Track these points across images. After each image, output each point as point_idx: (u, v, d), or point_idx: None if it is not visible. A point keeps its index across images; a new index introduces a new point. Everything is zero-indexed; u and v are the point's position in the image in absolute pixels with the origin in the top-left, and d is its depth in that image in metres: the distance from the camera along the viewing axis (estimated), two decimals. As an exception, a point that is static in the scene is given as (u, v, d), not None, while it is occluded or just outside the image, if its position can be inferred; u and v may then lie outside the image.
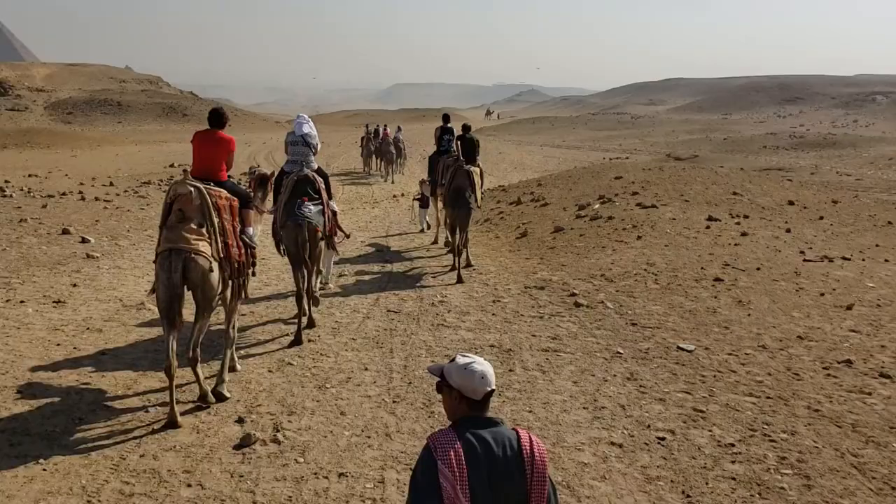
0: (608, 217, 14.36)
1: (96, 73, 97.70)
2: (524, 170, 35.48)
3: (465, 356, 2.66)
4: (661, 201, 15.55)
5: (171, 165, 33.05)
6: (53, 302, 9.51)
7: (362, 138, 33.65)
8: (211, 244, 6.25)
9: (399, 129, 32.88)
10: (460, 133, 13.04)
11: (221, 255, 6.39)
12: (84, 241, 13.54)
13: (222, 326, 7.26)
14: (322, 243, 8.97)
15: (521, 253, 13.33)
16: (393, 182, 28.77)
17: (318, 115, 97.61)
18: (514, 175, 33.25)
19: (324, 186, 8.85)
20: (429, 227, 16.04)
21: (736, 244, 12.70)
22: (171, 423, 5.99)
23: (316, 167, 9.05)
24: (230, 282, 6.75)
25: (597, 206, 15.67)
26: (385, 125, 33.34)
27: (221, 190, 6.57)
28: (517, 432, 2.61)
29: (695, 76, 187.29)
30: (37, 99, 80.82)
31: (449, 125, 14.31)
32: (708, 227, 13.62)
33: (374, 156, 31.67)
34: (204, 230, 6.22)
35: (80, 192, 19.28)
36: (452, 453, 2.45)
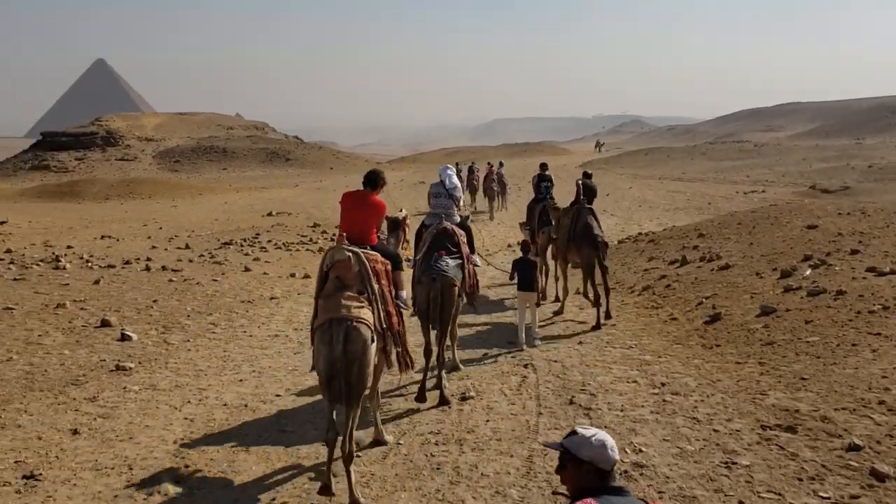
0: (836, 291, 10.09)
1: (205, 121, 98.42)
2: (651, 208, 31.20)
3: (585, 428, 2.67)
4: (900, 263, 11.13)
5: (269, 214, 30.55)
6: (23, 477, 6.06)
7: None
8: (373, 312, 5.90)
9: (501, 164, 32.95)
10: (581, 179, 12.53)
11: (384, 325, 6.08)
12: (124, 338, 10.29)
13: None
14: (459, 300, 8.37)
15: (724, 351, 9.22)
16: (492, 219, 28.07)
17: (419, 154, 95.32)
18: (640, 215, 29.25)
19: (465, 240, 8.55)
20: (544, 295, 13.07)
21: None
22: (325, 489, 5.59)
23: (458, 220, 8.86)
24: (388, 352, 6.33)
25: (807, 271, 11.39)
26: (495, 162, 33.70)
27: (376, 254, 6.28)
28: (644, 500, 2.57)
29: (810, 100, 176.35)
30: (146, 148, 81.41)
31: (547, 173, 14.45)
32: None
33: (471, 194, 31.67)
34: (364, 297, 5.89)
35: (148, 260, 16.32)
36: None
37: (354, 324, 5.62)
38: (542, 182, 14.11)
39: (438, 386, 8.01)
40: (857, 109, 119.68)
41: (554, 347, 9.96)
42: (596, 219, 11.60)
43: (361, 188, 6.75)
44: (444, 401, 7.87)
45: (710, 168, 58.12)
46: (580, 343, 10.13)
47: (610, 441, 2.64)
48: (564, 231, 11.94)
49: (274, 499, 5.77)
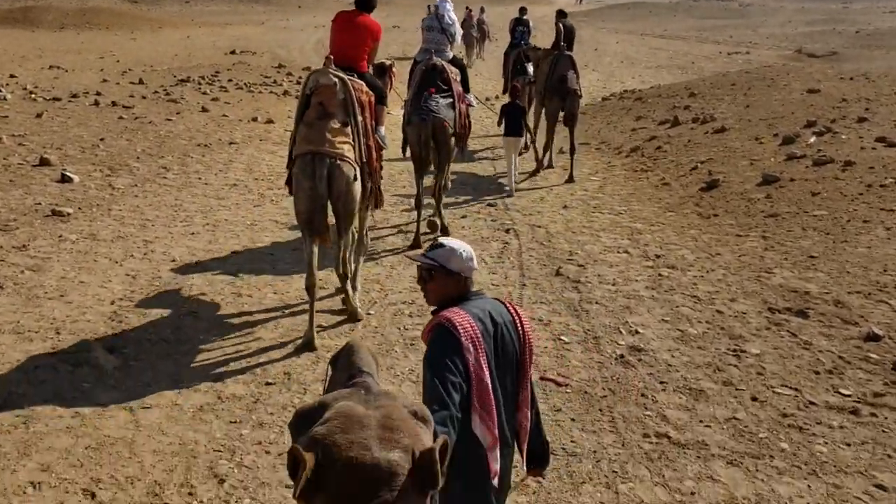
0: (844, 162, 9.33)
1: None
2: (633, 65, 29.99)
3: (449, 241, 2.71)
4: (910, 134, 10.35)
5: (232, 52, 28.66)
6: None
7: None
8: (354, 148, 5.63)
9: (482, 10, 30.78)
10: (558, 19, 11.66)
11: (364, 160, 5.80)
12: (64, 179, 9.24)
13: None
14: (452, 142, 7.98)
15: (723, 221, 8.50)
16: (469, 67, 25.51)
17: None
18: (623, 71, 28.08)
19: (458, 78, 8.14)
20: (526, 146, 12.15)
21: None
22: (308, 344, 5.46)
23: (450, 56, 8.37)
24: (369, 187, 6.09)
25: (811, 139, 10.58)
26: (475, 8, 30.58)
27: (363, 83, 5.84)
28: (501, 301, 2.69)
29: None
30: (102, -25, 76.39)
31: (525, 17, 13.53)
32: None
33: None
34: (348, 129, 5.57)
35: (97, 94, 14.94)
36: (470, 329, 2.44)
37: (338, 161, 5.42)
38: (518, 26, 13.26)
39: (437, 227, 8.07)
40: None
41: (537, 212, 9.16)
42: (575, 70, 10.92)
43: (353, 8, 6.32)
44: (444, 230, 7.89)
45: (693, 26, 56.26)
46: (565, 207, 9.34)
47: (472, 252, 2.68)
48: (542, 77, 11.32)
49: (223, 373, 5.04)
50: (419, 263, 2.66)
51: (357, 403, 1.53)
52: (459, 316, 2.46)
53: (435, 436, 1.59)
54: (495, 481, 2.49)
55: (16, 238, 7.32)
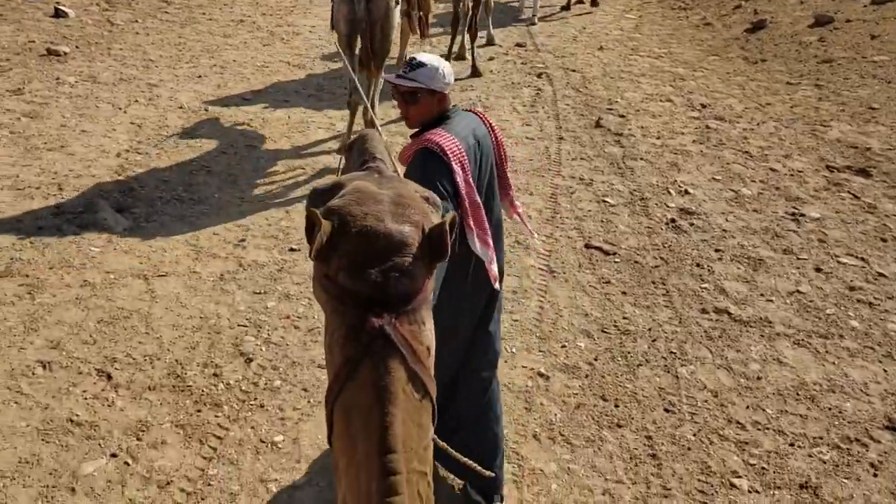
0: (907, 1, 8.54)
1: None
2: None
3: (426, 56, 2.51)
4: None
5: None
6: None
7: None
8: None
9: None
10: None
11: None
12: (58, 14, 8.49)
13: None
14: None
15: (771, 67, 7.83)
16: None
17: None
18: None
19: None
20: None
21: None
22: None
23: None
24: (411, 16, 6.30)
25: (870, -27, 9.66)
26: None
27: None
28: (475, 113, 2.67)
29: None
30: None
31: None
32: None
33: None
34: None
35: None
36: (458, 152, 2.41)
37: None
38: None
39: (467, 55, 8.02)
40: None
41: (570, 53, 8.48)
42: None
43: None
44: (476, 72, 7.76)
45: None
46: (601, 49, 8.65)
47: (450, 67, 2.55)
48: None
49: (243, 238, 4.64)
50: (401, 86, 2.48)
51: (371, 184, 1.59)
52: (446, 139, 2.42)
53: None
54: (497, 285, 2.60)
55: (10, 80, 6.73)
